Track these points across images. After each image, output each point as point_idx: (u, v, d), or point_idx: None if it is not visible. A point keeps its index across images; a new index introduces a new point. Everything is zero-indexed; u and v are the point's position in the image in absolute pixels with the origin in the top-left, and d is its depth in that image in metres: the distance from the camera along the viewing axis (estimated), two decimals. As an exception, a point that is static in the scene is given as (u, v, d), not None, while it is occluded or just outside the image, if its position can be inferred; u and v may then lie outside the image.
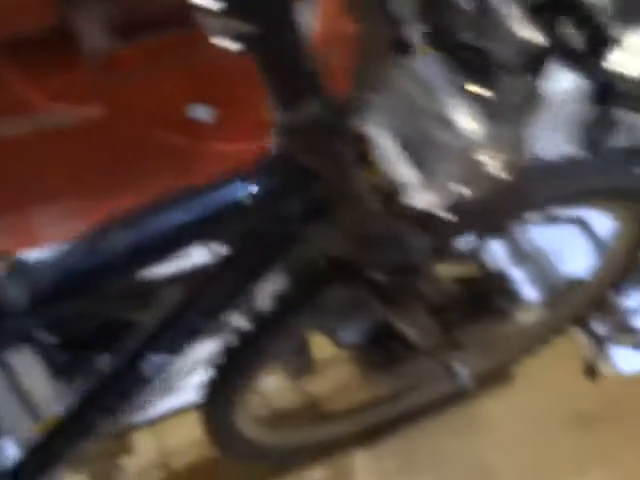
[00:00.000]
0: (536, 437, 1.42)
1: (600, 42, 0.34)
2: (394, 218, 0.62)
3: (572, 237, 1.37)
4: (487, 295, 1.06)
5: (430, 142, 0.48)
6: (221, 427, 1.01)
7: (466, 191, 0.50)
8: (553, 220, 1.32)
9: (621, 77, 0.31)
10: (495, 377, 1.45)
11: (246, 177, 0.60)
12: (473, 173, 0.49)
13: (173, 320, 0.73)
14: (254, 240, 0.66)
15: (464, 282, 1.05)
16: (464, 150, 0.47)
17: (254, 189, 0.60)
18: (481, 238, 1.54)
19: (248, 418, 1.12)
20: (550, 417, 1.44)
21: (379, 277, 0.75)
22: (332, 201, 0.63)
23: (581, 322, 1.40)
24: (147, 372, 0.77)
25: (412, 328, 0.87)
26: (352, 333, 1.11)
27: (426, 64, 0.48)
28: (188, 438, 1.33)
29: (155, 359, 0.76)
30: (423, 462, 1.39)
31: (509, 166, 0.49)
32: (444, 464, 1.39)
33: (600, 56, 0.33)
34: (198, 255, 0.74)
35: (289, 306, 0.84)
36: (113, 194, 0.65)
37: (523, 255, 1.45)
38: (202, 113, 0.78)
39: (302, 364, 1.42)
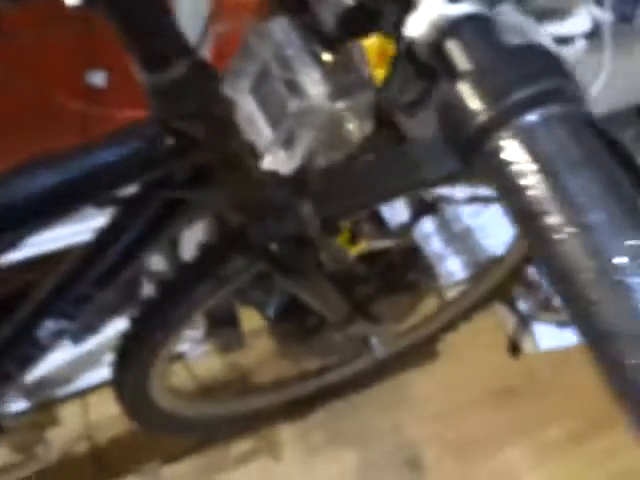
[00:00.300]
0: (461, 412, 1.45)
1: (402, 6, 0.34)
2: (271, 183, 0.63)
3: (497, 214, 1.39)
4: (401, 270, 1.07)
5: (284, 108, 0.48)
6: (134, 400, 1.01)
7: (321, 157, 0.51)
8: (478, 199, 1.34)
9: (414, 43, 0.32)
10: (422, 352, 1.47)
11: (122, 141, 0.60)
12: (325, 139, 0.50)
13: (64, 288, 0.73)
14: (137, 206, 0.66)
15: (376, 256, 1.06)
16: (313, 116, 0.47)
17: (130, 152, 0.60)
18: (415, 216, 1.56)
19: (166, 390, 1.12)
20: (475, 392, 1.47)
21: (273, 247, 0.76)
22: (213, 167, 0.63)
23: (505, 299, 1.42)
24: (42, 338, 0.77)
25: (317, 301, 0.88)
26: (275, 307, 1.12)
27: (281, 28, 0.48)
28: (115, 411, 1.33)
29: (50, 325, 0.76)
30: (350, 436, 1.41)
31: (359, 134, 0.50)
32: (371, 438, 1.41)
33: (402, 21, 0.34)
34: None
35: (190, 276, 0.84)
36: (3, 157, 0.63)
37: (451, 232, 1.47)
38: (98, 78, 0.77)
39: (232, 337, 1.43)
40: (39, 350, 0.78)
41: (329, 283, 0.87)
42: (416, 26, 0.33)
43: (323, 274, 0.85)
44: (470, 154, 0.30)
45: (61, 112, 0.78)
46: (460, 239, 1.46)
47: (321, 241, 0.77)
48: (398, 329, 1.15)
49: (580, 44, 1.35)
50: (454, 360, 1.49)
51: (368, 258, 1.05)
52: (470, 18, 0.32)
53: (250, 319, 1.46)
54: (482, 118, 0.29)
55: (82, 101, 0.78)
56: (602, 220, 0.27)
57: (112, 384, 0.97)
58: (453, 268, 1.42)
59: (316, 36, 0.46)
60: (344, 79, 0.48)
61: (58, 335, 0.77)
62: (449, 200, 1.39)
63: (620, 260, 0.25)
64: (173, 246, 1.26)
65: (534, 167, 0.28)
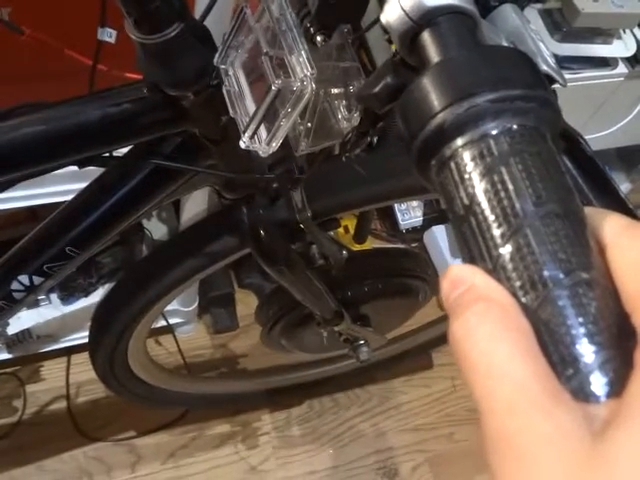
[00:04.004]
0: (446, 427, 1.42)
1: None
2: (259, 164, 0.61)
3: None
4: (400, 275, 1.04)
5: (268, 86, 0.46)
6: (109, 367, 0.99)
7: (305, 143, 0.48)
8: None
9: (389, 31, 0.30)
10: (416, 362, 1.45)
11: (110, 101, 0.57)
12: (310, 124, 0.47)
13: (42, 245, 0.71)
14: (122, 170, 0.64)
15: (375, 257, 1.03)
16: (296, 97, 0.45)
17: (117, 114, 0.57)
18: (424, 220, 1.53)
19: (147, 362, 1.11)
20: (463, 409, 1.44)
21: (262, 232, 0.73)
22: (203, 139, 0.61)
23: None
24: (15, 293, 0.75)
25: (302, 295, 0.85)
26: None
27: (278, 3, 0.46)
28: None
29: (24, 280, 0.74)
30: (329, 435, 1.39)
31: (346, 125, 0.47)
32: (350, 440, 1.39)
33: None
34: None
35: (176, 248, 0.82)
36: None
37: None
38: (108, 36, 0.75)
39: (225, 318, 1.42)
40: (11, 303, 0.77)
41: (317, 278, 0.85)
42: (391, 13, 0.30)
43: (312, 268, 0.82)
44: (426, 160, 0.28)
45: (70, 66, 0.76)
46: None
47: (313, 234, 0.74)
48: (389, 334, 1.12)
49: (622, 68, 1.30)
50: (448, 374, 1.46)
51: (366, 258, 1.02)
52: (448, 10, 0.29)
53: (247, 304, 1.45)
54: (441, 117, 0.26)
55: (92, 58, 0.75)
56: (546, 250, 0.24)
57: (88, 348, 0.96)
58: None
59: (310, 16, 0.44)
60: (337, 65, 0.46)
61: (31, 291, 0.76)
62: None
63: (552, 273, 0.24)
64: (175, 214, 1.24)
65: (485, 184, 0.26)
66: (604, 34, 1.27)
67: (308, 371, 1.31)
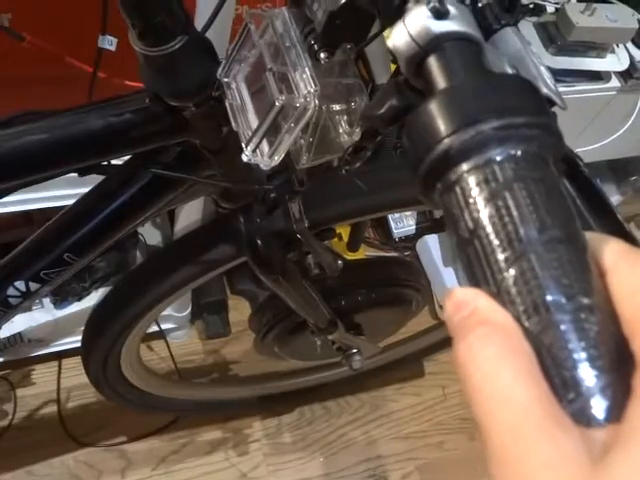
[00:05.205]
0: (438, 435, 1.43)
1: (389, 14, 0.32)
2: (259, 176, 0.61)
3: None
4: (393, 284, 1.04)
5: (272, 101, 0.46)
6: (101, 372, 0.99)
7: (306, 157, 0.49)
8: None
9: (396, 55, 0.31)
10: (408, 371, 1.45)
11: (112, 110, 0.58)
12: (312, 139, 0.48)
13: (40, 251, 0.71)
14: (122, 179, 0.65)
15: (369, 267, 1.04)
16: (300, 113, 0.45)
17: (118, 123, 0.58)
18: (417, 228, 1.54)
19: (139, 367, 1.11)
20: (456, 418, 1.44)
21: (259, 241, 0.74)
22: (203, 150, 0.61)
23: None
24: (11, 298, 0.75)
25: (297, 303, 0.86)
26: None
27: (282, 19, 0.46)
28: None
29: (20, 286, 0.74)
30: (320, 442, 1.39)
31: (347, 140, 0.48)
32: (341, 448, 1.39)
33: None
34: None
35: (174, 255, 0.83)
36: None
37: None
38: (109, 44, 0.76)
39: (217, 324, 1.42)
40: (6, 309, 0.77)
41: (312, 288, 0.85)
42: (399, 38, 0.31)
43: (307, 278, 0.83)
44: (431, 183, 0.28)
45: (71, 73, 0.77)
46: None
47: (309, 244, 0.75)
48: (382, 342, 1.12)
49: (615, 82, 1.32)
50: (439, 383, 1.47)
51: (360, 268, 1.02)
52: (454, 37, 0.30)
53: (239, 310, 1.45)
54: (447, 143, 0.27)
55: (92, 65, 0.76)
56: (548, 275, 0.25)
57: (81, 352, 0.96)
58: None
59: (314, 33, 0.44)
60: (339, 82, 0.46)
61: (27, 297, 0.76)
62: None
63: (555, 298, 0.24)
64: (169, 221, 1.24)
65: (489, 209, 0.26)
66: (598, 48, 1.28)
67: (300, 378, 1.31)
